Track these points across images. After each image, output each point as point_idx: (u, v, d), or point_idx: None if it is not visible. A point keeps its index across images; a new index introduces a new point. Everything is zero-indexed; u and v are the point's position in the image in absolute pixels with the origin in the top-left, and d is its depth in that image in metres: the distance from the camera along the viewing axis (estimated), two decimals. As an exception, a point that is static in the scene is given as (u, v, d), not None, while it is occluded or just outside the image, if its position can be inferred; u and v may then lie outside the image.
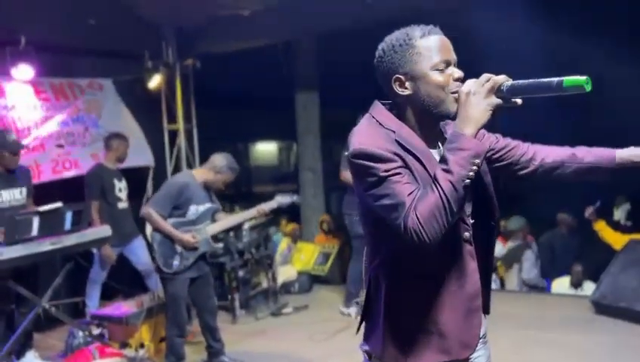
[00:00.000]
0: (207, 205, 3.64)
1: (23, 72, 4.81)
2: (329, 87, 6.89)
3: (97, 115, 5.52)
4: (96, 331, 4.23)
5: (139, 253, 4.77)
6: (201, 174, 3.68)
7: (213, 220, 3.69)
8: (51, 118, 5.15)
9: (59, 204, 3.66)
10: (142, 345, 4.12)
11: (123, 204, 4.68)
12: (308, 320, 4.81)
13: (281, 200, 3.88)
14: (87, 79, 5.48)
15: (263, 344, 4.37)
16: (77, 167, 5.20)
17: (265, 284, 5.26)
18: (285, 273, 5.57)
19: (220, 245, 4.03)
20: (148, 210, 3.50)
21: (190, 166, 6.29)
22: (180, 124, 6.21)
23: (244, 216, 3.94)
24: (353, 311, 4.67)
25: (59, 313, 3.97)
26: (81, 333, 4.11)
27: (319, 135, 6.92)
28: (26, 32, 4.69)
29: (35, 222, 3.54)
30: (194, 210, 3.57)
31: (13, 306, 3.89)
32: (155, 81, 5.87)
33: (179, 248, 3.50)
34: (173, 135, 6.29)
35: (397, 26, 1.54)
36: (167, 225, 3.48)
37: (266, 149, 13.82)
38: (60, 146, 5.17)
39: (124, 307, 4.27)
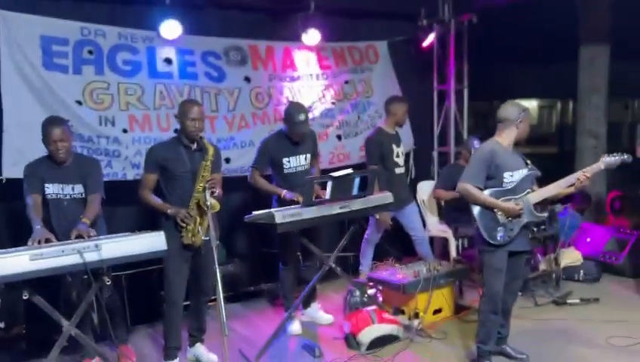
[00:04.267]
0: (523, 171, 3.29)
1: (312, 37, 5.02)
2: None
3: (369, 94, 5.54)
4: (371, 291, 4.36)
5: (413, 219, 4.72)
6: (502, 138, 3.35)
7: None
8: (330, 86, 5.31)
9: (350, 171, 3.75)
10: (416, 315, 4.09)
11: (400, 170, 4.64)
12: (600, 318, 4.11)
13: (609, 160, 3.25)
14: (365, 42, 5.52)
15: (549, 338, 3.88)
16: (348, 158, 5.34)
17: (545, 267, 4.73)
18: (568, 256, 4.90)
19: (545, 214, 3.47)
20: (463, 184, 3.30)
21: (457, 128, 6.02)
22: (451, 84, 5.97)
23: (562, 184, 3.30)
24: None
25: (342, 272, 4.15)
26: (358, 292, 4.28)
27: (606, 94, 5.95)
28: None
29: (329, 186, 3.70)
30: (508, 178, 3.27)
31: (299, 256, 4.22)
32: (428, 40, 5.71)
33: (502, 218, 3.25)
34: (443, 96, 6.09)
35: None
36: (487, 197, 3.25)
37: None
38: (339, 138, 5.35)
39: (400, 273, 4.28)
